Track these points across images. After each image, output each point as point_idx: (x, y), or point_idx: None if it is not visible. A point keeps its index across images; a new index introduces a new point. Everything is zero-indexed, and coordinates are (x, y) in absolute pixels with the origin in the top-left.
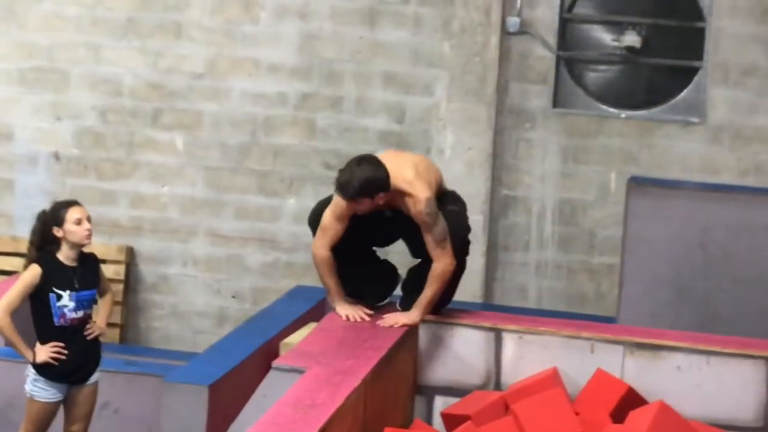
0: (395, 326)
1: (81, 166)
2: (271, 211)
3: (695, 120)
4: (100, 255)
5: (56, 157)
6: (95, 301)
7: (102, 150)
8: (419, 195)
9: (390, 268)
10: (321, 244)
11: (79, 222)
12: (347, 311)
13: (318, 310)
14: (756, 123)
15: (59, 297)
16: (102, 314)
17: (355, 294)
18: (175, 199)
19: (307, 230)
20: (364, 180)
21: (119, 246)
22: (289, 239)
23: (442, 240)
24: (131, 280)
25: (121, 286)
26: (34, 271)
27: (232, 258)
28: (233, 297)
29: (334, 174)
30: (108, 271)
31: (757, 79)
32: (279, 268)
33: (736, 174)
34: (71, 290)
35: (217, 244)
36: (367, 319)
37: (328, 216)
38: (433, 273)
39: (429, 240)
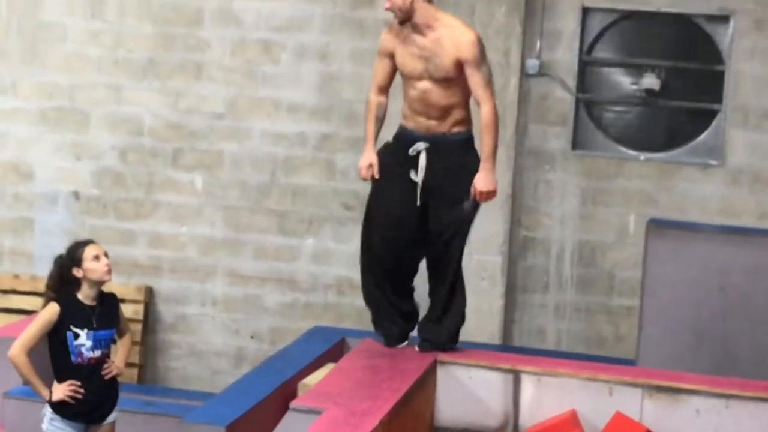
0: (485, 198)
1: (100, 205)
2: (289, 251)
3: (714, 163)
4: (118, 294)
5: (76, 196)
6: (114, 341)
7: (122, 190)
8: (467, 33)
9: (414, 312)
10: (371, 90)
11: (97, 258)
12: (362, 161)
13: (336, 351)
14: None
15: (77, 335)
16: (121, 354)
17: (377, 329)
18: (194, 238)
19: (325, 270)
20: None
21: (138, 286)
22: (307, 279)
23: (489, 82)
24: (150, 320)
25: (139, 326)
26: (53, 308)
27: (250, 298)
28: (251, 337)
29: (352, 214)
30: (127, 310)
31: None
32: (297, 308)
33: (756, 217)
34: (89, 329)
35: (235, 284)
36: (372, 176)
37: (375, 63)
38: (484, 122)
39: (477, 81)
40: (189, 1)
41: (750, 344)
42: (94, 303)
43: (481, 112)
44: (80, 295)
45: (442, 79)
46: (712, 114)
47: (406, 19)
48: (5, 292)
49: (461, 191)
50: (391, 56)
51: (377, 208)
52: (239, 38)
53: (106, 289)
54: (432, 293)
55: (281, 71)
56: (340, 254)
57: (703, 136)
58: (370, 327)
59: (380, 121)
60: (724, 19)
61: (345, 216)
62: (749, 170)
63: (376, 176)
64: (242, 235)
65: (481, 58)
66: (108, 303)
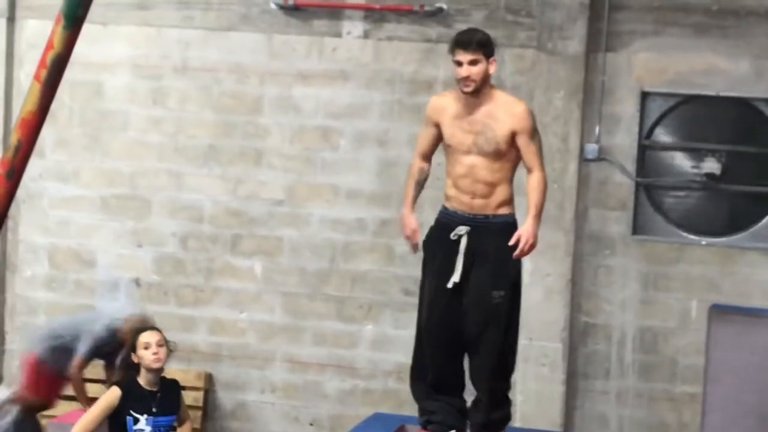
0: (526, 247)
1: (161, 292)
2: (348, 337)
3: None
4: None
5: (137, 283)
6: (173, 428)
7: (182, 276)
8: (520, 104)
9: (464, 408)
10: (415, 155)
11: (147, 347)
12: (405, 227)
13: None
14: None
15: (136, 420)
16: None
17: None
18: (253, 325)
19: (385, 357)
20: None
21: (198, 372)
22: (367, 366)
23: (541, 153)
24: (209, 407)
25: (199, 413)
26: (114, 393)
27: (309, 385)
28: (311, 424)
29: (412, 300)
30: (186, 397)
31: None
32: (357, 395)
33: None
34: (149, 414)
35: (294, 371)
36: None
37: (420, 131)
38: (534, 183)
39: (531, 150)
40: (249, 88)
41: None
42: (154, 388)
43: (533, 177)
44: (141, 380)
45: (491, 153)
46: None
47: (476, 92)
48: None
49: (494, 279)
50: (436, 125)
51: (426, 295)
52: (298, 125)
53: (168, 375)
54: (471, 377)
55: (340, 157)
56: (399, 340)
57: (765, 220)
58: None
59: (420, 185)
60: None
61: (404, 302)
62: None
63: (418, 245)
64: (301, 321)
65: (534, 128)
66: (169, 389)
